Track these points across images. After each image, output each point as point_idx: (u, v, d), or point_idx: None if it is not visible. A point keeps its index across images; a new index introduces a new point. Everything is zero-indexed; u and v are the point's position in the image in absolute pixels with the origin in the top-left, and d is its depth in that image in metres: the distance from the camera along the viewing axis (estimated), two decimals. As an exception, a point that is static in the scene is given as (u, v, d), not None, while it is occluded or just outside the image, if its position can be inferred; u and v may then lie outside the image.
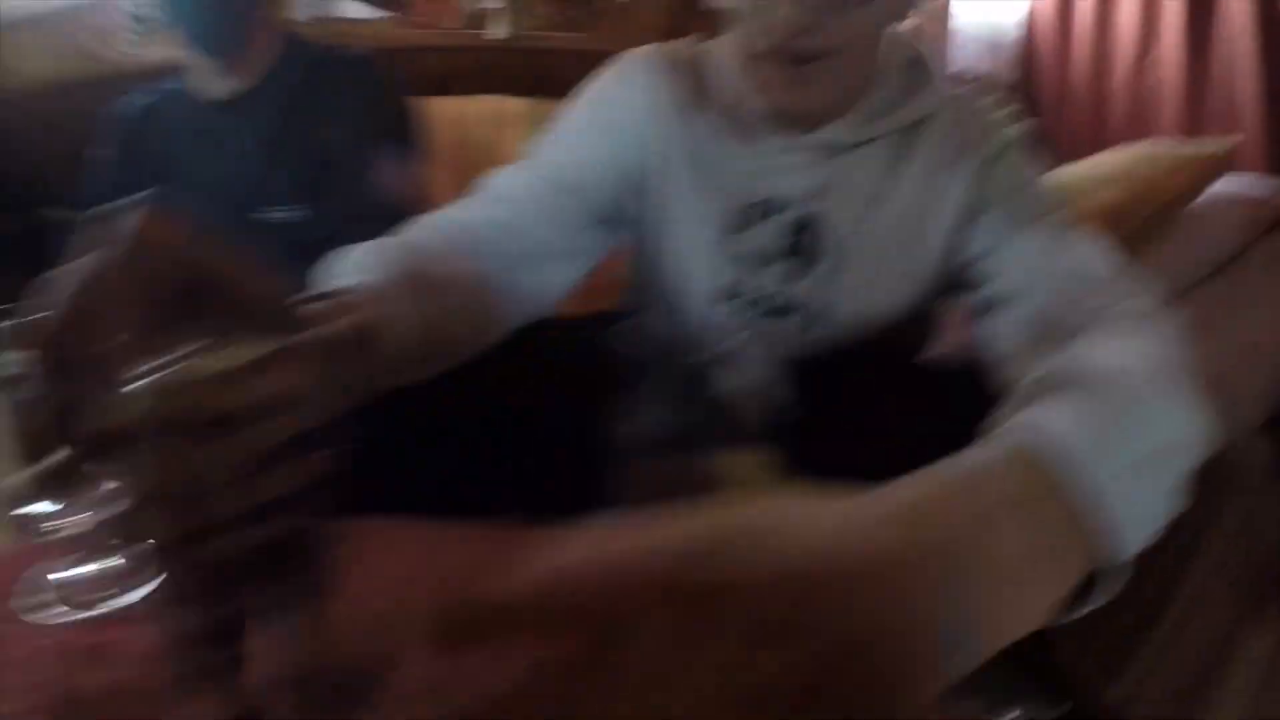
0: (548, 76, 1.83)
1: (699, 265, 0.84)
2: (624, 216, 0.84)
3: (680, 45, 0.86)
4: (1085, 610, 0.34)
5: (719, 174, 0.81)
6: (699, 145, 0.81)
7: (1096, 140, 1.78)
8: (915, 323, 0.86)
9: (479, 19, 1.84)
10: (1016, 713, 0.54)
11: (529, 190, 0.77)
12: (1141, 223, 1.37)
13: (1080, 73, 1.91)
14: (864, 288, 0.81)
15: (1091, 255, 0.66)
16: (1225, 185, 1.44)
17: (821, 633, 0.23)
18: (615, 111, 0.82)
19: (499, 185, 0.78)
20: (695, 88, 0.82)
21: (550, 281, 0.77)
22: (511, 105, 1.79)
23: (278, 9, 1.09)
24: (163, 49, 1.82)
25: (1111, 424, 0.35)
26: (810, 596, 0.24)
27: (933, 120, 0.79)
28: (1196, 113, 1.63)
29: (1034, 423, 0.34)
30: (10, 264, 2.33)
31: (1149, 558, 0.87)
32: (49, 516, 0.31)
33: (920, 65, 0.80)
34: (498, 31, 1.81)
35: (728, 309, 0.83)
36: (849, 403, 0.45)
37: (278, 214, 1.04)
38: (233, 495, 0.29)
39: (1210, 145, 1.43)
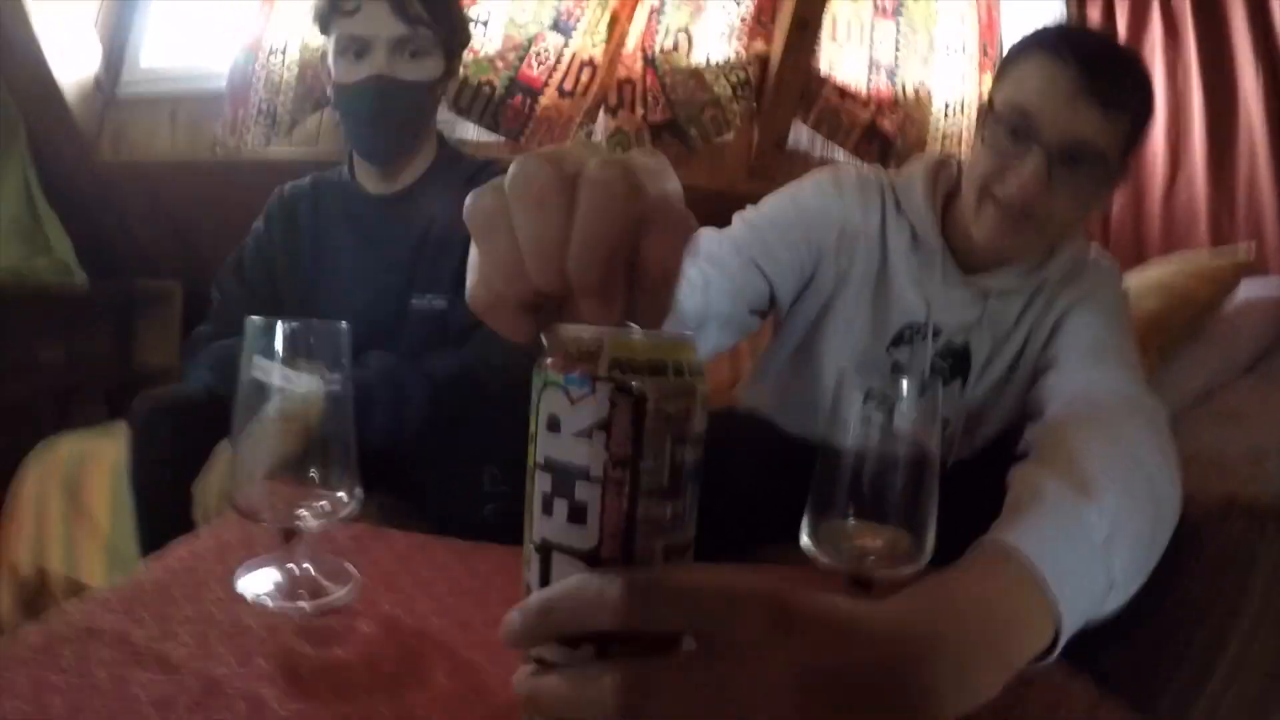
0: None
1: (852, 369, 0.95)
2: (786, 308, 0.97)
3: (873, 171, 0.99)
4: (1049, 661, 0.47)
5: (893, 293, 0.94)
6: (882, 265, 0.95)
7: (1140, 256, 1.91)
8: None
9: None
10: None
11: (727, 258, 0.86)
12: (1181, 327, 1.49)
13: (1118, 197, 2.05)
14: (985, 405, 0.96)
15: (1127, 376, 0.79)
16: (1251, 288, 1.56)
17: (897, 686, 0.35)
18: (814, 218, 0.93)
19: (704, 246, 0.86)
20: (890, 213, 0.95)
21: (713, 343, 0.87)
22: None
23: (433, 127, 1.24)
24: (287, 148, 2.08)
25: (1068, 542, 0.49)
26: (886, 661, 0.35)
27: (1060, 278, 0.93)
28: (1224, 224, 1.77)
29: (1022, 538, 0.47)
30: (106, 325, 2.53)
31: (1201, 609, 0.96)
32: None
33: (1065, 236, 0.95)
34: (604, 161, 2.02)
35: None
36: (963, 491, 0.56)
37: (426, 301, 1.15)
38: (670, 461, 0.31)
39: (1235, 253, 1.56)
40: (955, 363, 0.94)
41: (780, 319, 1.01)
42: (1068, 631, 0.46)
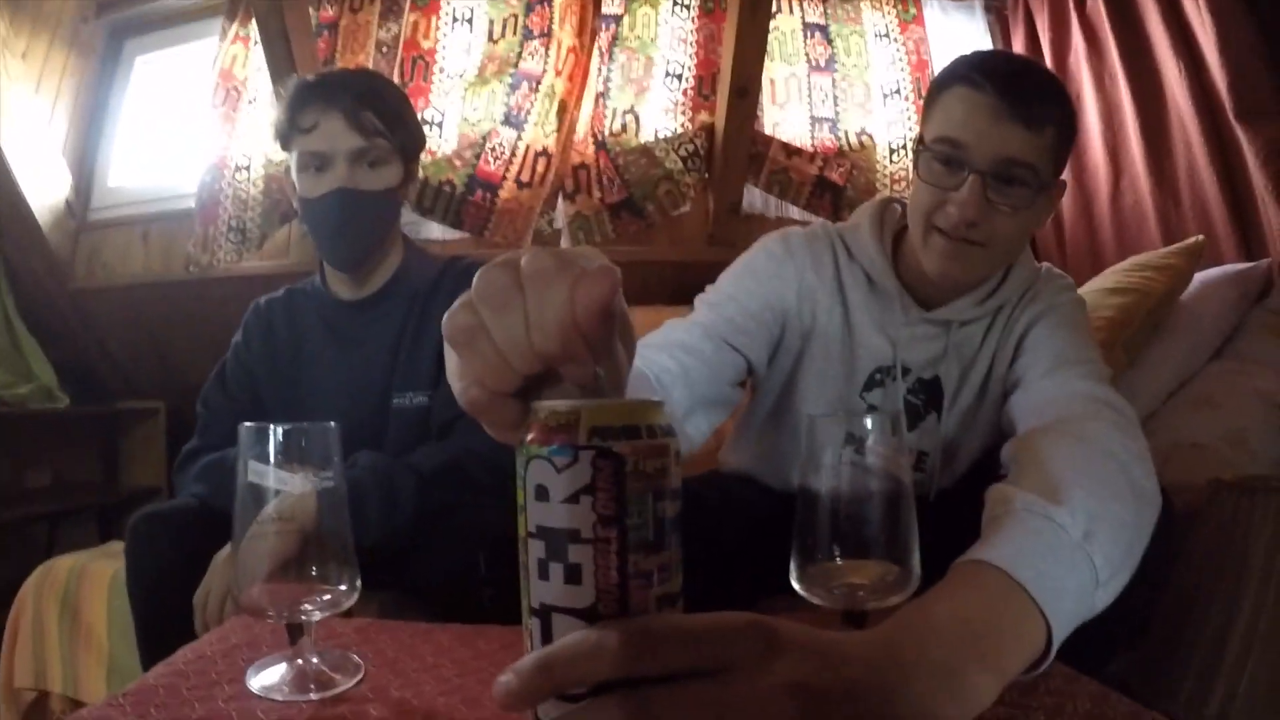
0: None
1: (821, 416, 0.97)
2: (762, 372, 0.99)
3: (819, 227, 1.03)
4: (1047, 666, 0.48)
5: (859, 340, 0.96)
6: (844, 314, 0.97)
7: (1096, 265, 1.96)
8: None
9: (550, 237, 2.10)
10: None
11: (699, 344, 0.89)
12: (1142, 320, 1.53)
13: (1068, 211, 2.13)
14: (960, 432, 0.98)
15: (1090, 379, 0.82)
16: (1207, 275, 1.61)
17: (888, 702, 0.37)
18: (770, 283, 0.96)
19: (675, 336, 0.89)
20: (843, 262, 0.98)
21: (706, 425, 0.89)
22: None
23: (398, 230, 1.27)
24: (258, 262, 2.12)
25: (1044, 547, 0.50)
26: (875, 679, 0.37)
27: (1014, 301, 0.96)
28: (1173, 221, 1.82)
29: (994, 552, 0.49)
30: (92, 447, 2.52)
31: (1204, 588, 0.98)
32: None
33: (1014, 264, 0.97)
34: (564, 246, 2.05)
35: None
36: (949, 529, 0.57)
37: (407, 399, 1.17)
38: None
39: (1185, 245, 1.61)
40: (928, 397, 0.97)
41: (756, 383, 1.03)
42: (1060, 631, 0.48)
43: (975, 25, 2.39)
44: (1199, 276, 1.61)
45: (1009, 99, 0.81)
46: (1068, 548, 0.51)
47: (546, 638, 0.34)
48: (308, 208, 1.16)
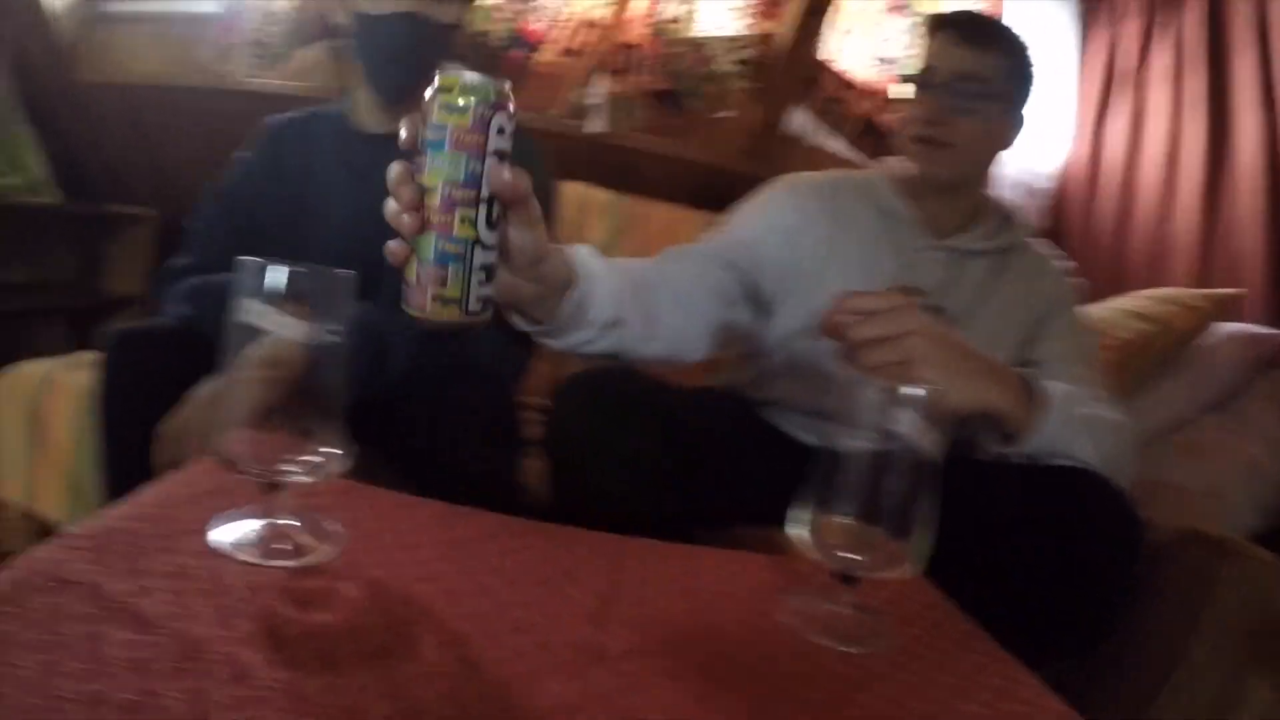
0: (633, 173, 1.98)
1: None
2: (766, 300, 1.07)
3: (831, 172, 1.17)
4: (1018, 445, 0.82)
5: (873, 267, 1.07)
6: (855, 246, 1.08)
7: (1117, 283, 1.93)
8: None
9: (582, 112, 1.99)
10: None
11: (697, 257, 1.01)
12: (1156, 354, 1.51)
13: (1105, 222, 2.08)
14: None
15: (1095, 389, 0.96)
16: (1229, 328, 1.59)
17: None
18: (773, 219, 1.09)
19: (676, 251, 1.02)
20: (852, 202, 1.10)
21: (686, 327, 0.94)
22: (597, 195, 1.89)
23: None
24: (276, 79, 2.00)
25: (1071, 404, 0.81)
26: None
27: (1020, 249, 1.10)
28: (1206, 265, 1.79)
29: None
30: (75, 248, 2.43)
31: (1155, 630, 0.99)
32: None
33: (1007, 208, 1.14)
34: (595, 126, 1.97)
35: None
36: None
37: None
38: None
39: (1219, 293, 1.59)
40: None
41: (766, 309, 1.08)
42: (1042, 423, 0.80)
43: (1063, 7, 2.27)
44: (1221, 327, 1.59)
45: (962, 28, 1.04)
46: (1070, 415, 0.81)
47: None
48: (367, 26, 1.08)
